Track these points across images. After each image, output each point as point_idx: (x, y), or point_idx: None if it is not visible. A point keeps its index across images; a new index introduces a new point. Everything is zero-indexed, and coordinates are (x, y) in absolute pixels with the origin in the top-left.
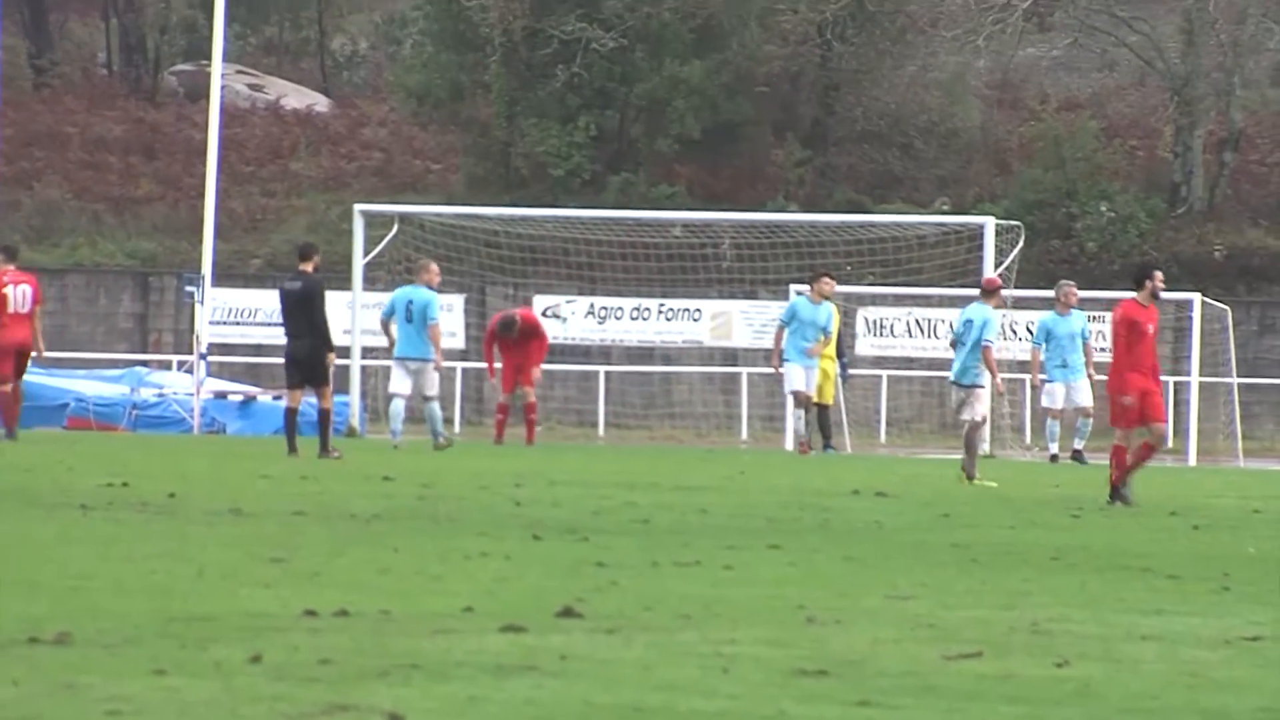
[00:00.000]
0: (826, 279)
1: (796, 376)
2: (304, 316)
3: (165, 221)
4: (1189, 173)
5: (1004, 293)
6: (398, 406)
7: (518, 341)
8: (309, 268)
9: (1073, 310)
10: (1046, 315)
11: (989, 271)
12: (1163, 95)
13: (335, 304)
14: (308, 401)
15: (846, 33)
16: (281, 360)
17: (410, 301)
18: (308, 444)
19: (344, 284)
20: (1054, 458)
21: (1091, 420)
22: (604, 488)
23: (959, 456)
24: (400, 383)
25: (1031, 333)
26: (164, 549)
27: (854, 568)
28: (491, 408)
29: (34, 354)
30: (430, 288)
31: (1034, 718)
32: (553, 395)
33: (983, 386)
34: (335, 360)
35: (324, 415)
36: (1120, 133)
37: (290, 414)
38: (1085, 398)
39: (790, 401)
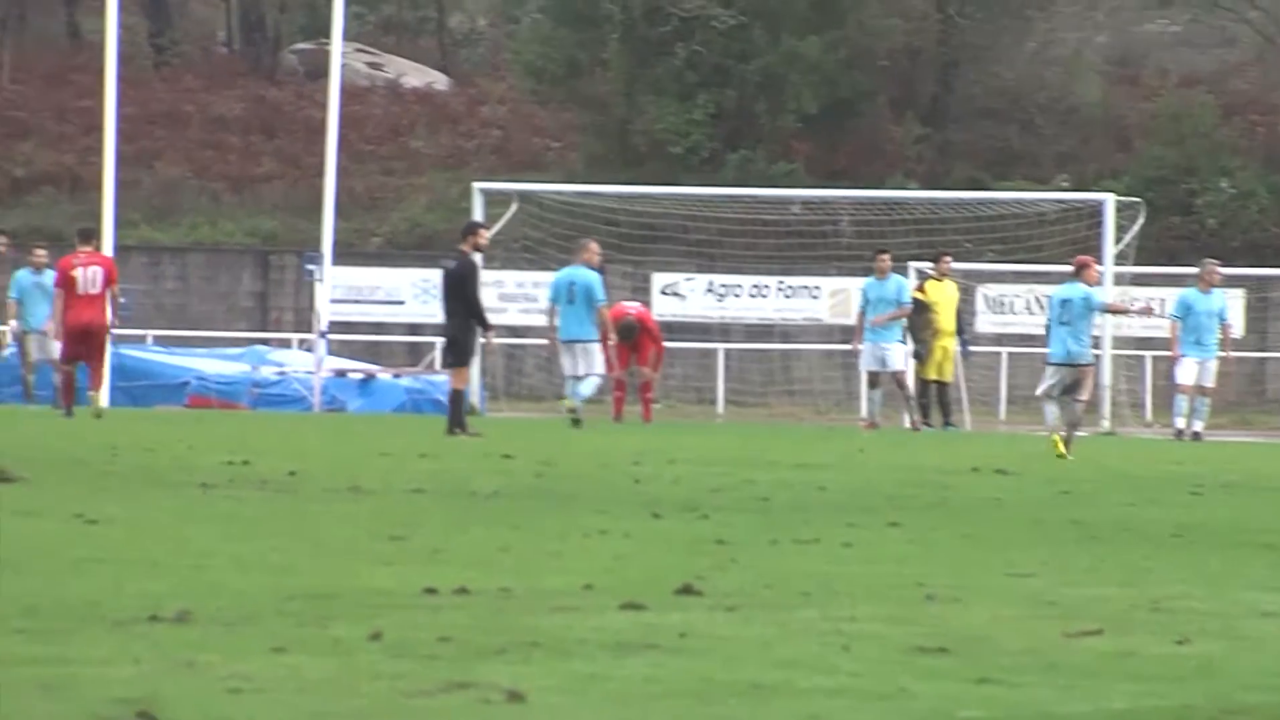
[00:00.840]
0: (883, 255)
1: (870, 356)
2: (456, 296)
3: (285, 200)
4: None
5: (1119, 269)
6: (591, 384)
7: (634, 338)
8: (466, 247)
9: (1214, 289)
10: (1188, 290)
11: (1109, 248)
12: None
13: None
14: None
15: (966, 8)
16: (400, 338)
17: (573, 283)
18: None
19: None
20: (1179, 434)
21: (1209, 400)
22: (723, 465)
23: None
24: (571, 366)
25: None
26: (284, 527)
27: (973, 545)
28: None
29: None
30: (591, 267)
31: (1154, 695)
32: (672, 373)
33: (1093, 365)
34: (494, 339)
35: (454, 395)
36: (1240, 109)
37: (456, 394)
38: (1210, 378)
39: (865, 380)
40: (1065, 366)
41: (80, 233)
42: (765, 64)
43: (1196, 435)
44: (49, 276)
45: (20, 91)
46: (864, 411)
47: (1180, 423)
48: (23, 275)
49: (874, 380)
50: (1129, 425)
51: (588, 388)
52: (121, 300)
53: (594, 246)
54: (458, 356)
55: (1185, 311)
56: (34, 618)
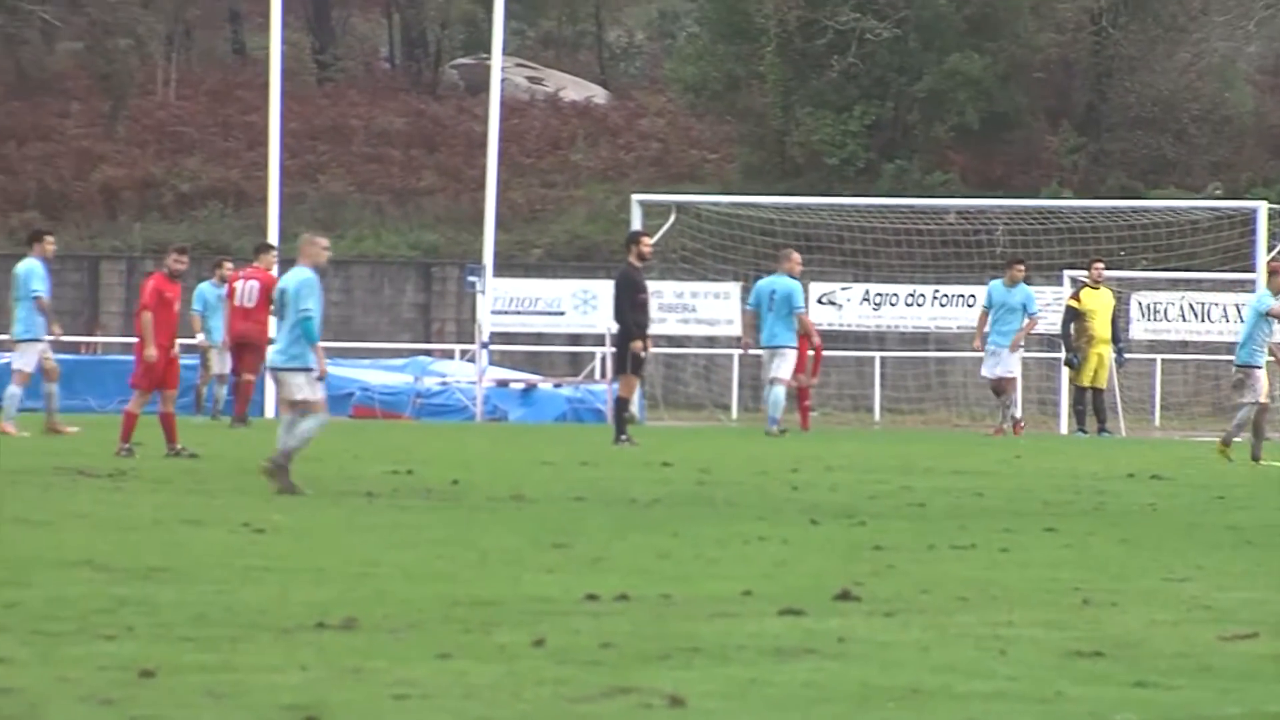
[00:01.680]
0: (1018, 265)
1: (991, 363)
2: (615, 304)
3: (447, 213)
4: None
5: None
6: (778, 393)
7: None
8: (631, 257)
9: None
10: None
11: (1261, 256)
12: None
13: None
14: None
15: (1120, 20)
16: (561, 349)
17: (773, 291)
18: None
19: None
20: None
21: None
22: (880, 472)
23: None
24: (773, 369)
25: None
26: (448, 535)
27: (1129, 550)
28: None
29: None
30: (792, 276)
31: None
32: (829, 381)
33: (1260, 367)
34: (638, 349)
35: (617, 402)
36: None
37: (619, 402)
38: None
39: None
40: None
41: (257, 247)
42: (926, 82)
43: None
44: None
45: (186, 108)
46: (1016, 412)
47: None
48: (206, 289)
49: (998, 386)
50: None
51: (775, 409)
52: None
53: (796, 256)
54: (621, 364)
55: None
56: (203, 625)
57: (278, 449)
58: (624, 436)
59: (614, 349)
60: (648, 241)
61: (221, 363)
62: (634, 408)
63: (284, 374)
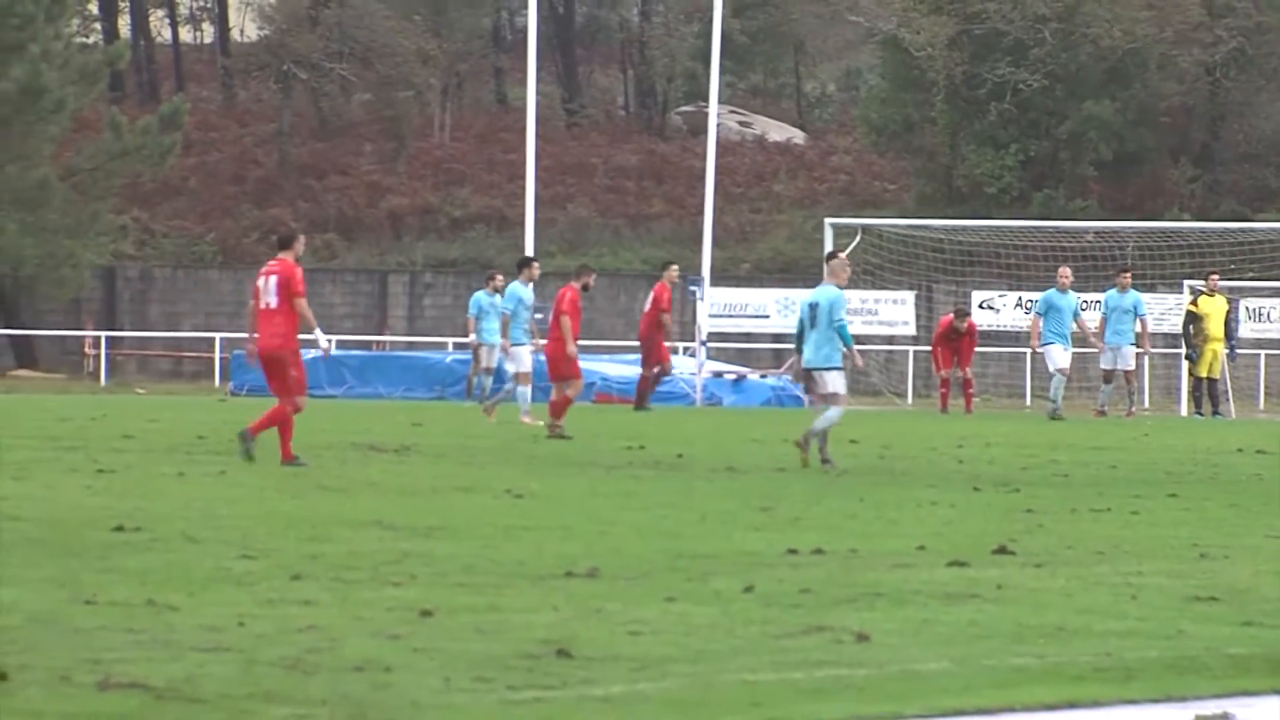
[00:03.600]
0: (1125, 274)
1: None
2: None
3: (672, 234)
4: None
5: None
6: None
7: (960, 339)
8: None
9: None
10: None
11: None
12: None
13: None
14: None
15: (1231, 72)
16: (766, 346)
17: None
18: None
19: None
20: None
21: None
22: (1031, 448)
23: None
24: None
25: None
26: (673, 499)
27: (1238, 512)
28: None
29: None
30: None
31: None
32: (987, 372)
33: None
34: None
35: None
36: None
37: None
38: None
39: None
40: None
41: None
42: (1069, 126)
43: None
44: (498, 299)
45: (458, 147)
46: (1099, 402)
47: None
48: (481, 296)
49: (1108, 376)
50: None
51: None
52: (538, 316)
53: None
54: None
55: None
56: (471, 574)
57: (808, 429)
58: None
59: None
60: (842, 259)
61: (490, 358)
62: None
63: (818, 372)
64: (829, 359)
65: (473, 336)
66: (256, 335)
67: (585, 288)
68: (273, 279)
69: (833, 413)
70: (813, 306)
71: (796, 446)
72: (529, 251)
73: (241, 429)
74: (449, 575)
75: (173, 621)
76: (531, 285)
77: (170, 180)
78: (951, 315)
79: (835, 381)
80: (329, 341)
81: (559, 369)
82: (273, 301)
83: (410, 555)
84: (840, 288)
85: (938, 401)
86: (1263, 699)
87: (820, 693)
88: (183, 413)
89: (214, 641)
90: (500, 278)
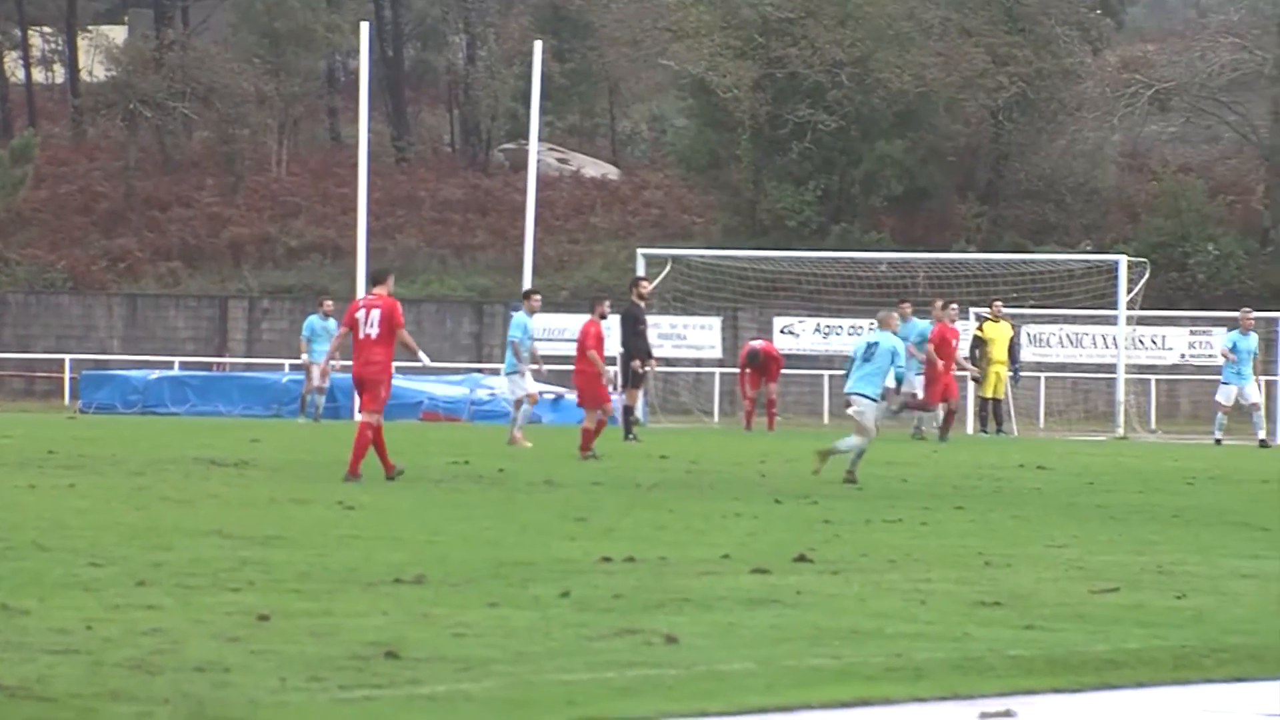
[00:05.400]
0: (904, 304)
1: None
2: (623, 334)
3: (495, 263)
4: (1276, 220)
5: (1129, 313)
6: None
7: (762, 364)
8: (632, 296)
9: (1251, 331)
10: (1233, 333)
11: (1123, 298)
12: (1256, 161)
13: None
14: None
15: (1013, 114)
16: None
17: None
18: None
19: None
20: (1218, 441)
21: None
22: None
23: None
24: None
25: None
26: (495, 511)
27: (1021, 523)
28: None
29: None
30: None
31: (1159, 638)
32: (789, 392)
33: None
34: (638, 368)
35: (625, 409)
36: (1223, 190)
37: (627, 409)
38: (1254, 395)
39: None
40: None
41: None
42: (864, 167)
43: (1264, 443)
44: (332, 323)
45: (294, 181)
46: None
47: (1219, 433)
48: (313, 320)
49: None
50: (1138, 431)
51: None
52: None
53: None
54: (626, 379)
55: (1233, 348)
56: (306, 580)
57: (833, 444)
58: (631, 435)
59: (621, 368)
60: (645, 284)
61: (322, 378)
62: (639, 413)
63: (857, 397)
64: (869, 389)
65: (305, 357)
66: (351, 361)
67: (603, 316)
68: (375, 312)
69: (854, 439)
70: (871, 344)
71: (818, 456)
72: (360, 280)
73: (344, 475)
74: (285, 582)
75: (24, 625)
76: (533, 315)
77: (23, 211)
78: (750, 344)
79: (867, 411)
80: (426, 357)
81: (589, 397)
82: (374, 332)
83: (249, 563)
84: (895, 333)
85: (742, 420)
86: (1043, 697)
87: (631, 692)
88: (34, 429)
89: (63, 644)
90: (329, 303)
